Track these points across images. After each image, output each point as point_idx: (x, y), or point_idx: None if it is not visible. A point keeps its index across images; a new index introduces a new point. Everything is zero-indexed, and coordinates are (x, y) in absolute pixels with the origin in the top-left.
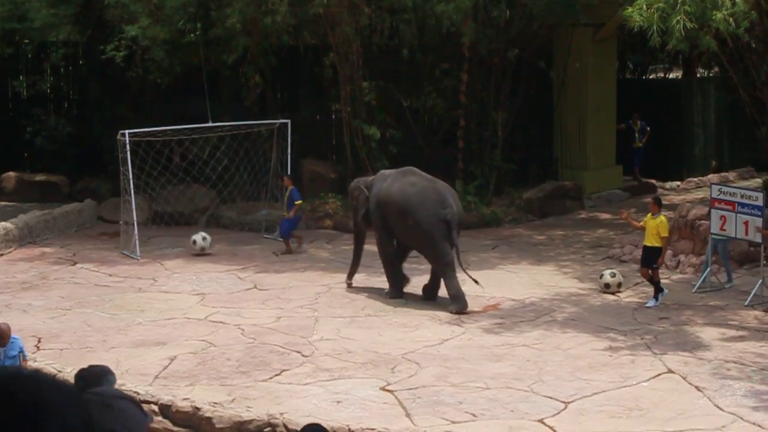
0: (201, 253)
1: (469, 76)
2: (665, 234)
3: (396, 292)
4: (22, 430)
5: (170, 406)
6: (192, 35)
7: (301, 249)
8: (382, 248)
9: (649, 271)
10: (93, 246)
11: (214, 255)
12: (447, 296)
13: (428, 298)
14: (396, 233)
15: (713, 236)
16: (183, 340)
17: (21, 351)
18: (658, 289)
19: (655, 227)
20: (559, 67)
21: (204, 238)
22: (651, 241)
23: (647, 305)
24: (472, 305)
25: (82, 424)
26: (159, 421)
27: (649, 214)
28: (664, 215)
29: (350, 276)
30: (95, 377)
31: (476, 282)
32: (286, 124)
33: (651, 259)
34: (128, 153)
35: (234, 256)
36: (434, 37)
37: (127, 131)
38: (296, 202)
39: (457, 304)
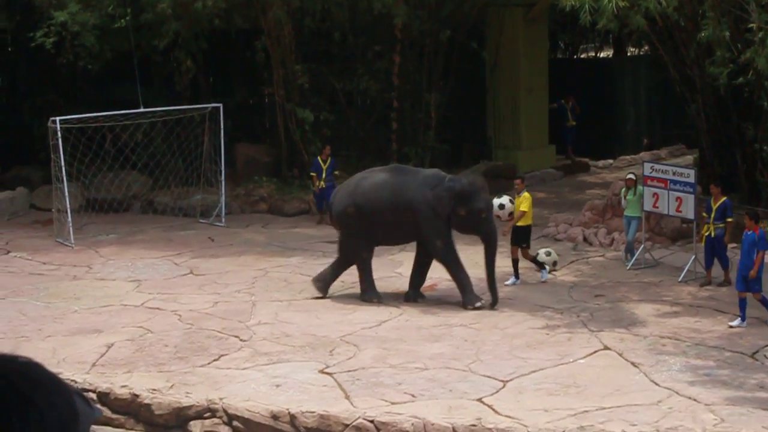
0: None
1: (401, 57)
2: (524, 208)
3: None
4: (21, 415)
5: (108, 393)
6: (122, 20)
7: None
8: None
9: (519, 251)
10: (26, 234)
11: (149, 241)
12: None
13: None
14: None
15: (626, 216)
16: (120, 327)
17: None
18: (540, 264)
19: (519, 205)
20: (491, 47)
21: (512, 200)
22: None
23: (542, 279)
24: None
25: (70, 411)
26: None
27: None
28: (528, 193)
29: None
30: None
31: None
32: (219, 108)
33: (520, 238)
34: (59, 140)
35: (169, 242)
36: (366, 19)
37: (57, 118)
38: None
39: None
